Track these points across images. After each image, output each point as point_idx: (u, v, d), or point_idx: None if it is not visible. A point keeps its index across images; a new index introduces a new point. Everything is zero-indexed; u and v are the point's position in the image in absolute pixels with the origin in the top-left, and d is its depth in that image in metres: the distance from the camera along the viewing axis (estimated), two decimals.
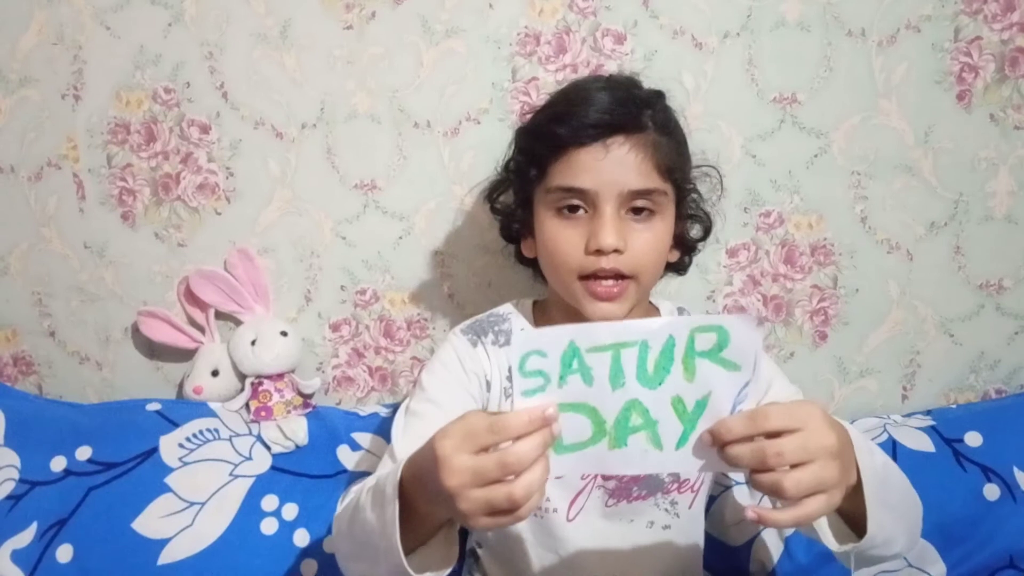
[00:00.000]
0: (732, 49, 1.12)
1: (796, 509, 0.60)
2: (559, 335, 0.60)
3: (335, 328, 1.21)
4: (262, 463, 1.09)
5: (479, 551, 0.98)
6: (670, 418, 0.61)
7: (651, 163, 0.83)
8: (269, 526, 1.05)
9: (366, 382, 1.23)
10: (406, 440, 0.81)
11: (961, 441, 1.08)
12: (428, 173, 1.16)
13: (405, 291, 1.20)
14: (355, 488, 0.78)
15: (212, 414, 1.12)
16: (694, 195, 0.96)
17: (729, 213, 1.14)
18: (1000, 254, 1.18)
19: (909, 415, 1.16)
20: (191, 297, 1.19)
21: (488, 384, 0.90)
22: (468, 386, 0.89)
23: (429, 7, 1.12)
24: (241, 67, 1.15)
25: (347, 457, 1.10)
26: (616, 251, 0.82)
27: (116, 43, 1.15)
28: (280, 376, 1.15)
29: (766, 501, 0.91)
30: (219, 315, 1.20)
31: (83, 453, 1.07)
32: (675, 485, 0.90)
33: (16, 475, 1.06)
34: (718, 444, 0.60)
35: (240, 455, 1.09)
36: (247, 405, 1.14)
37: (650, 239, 0.84)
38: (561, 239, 0.85)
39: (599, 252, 0.82)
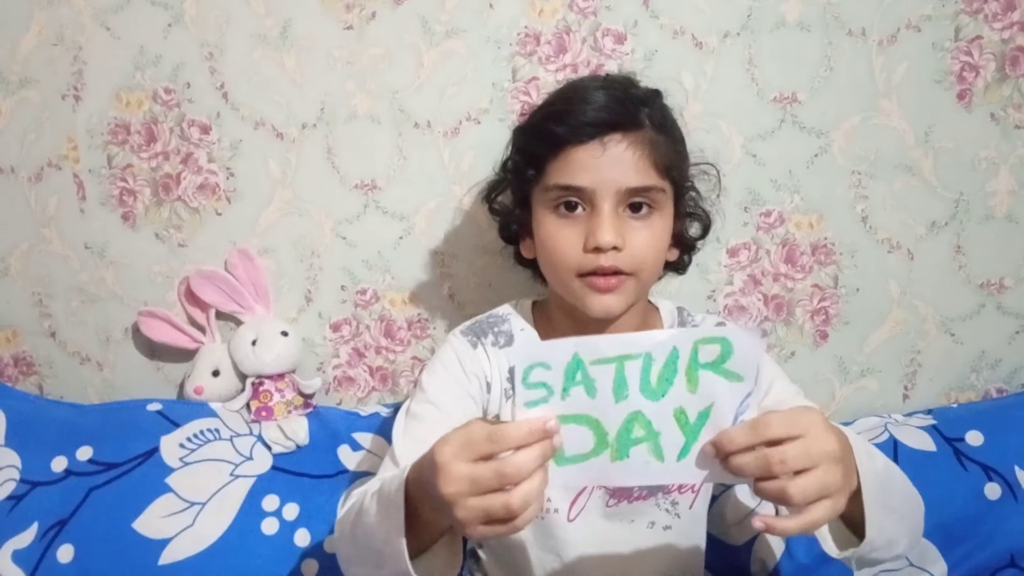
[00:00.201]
0: (732, 49, 1.12)
1: (803, 516, 0.60)
2: (563, 347, 0.60)
3: (336, 328, 1.21)
4: (263, 463, 1.09)
5: (480, 552, 0.97)
6: (672, 430, 0.61)
7: (649, 160, 0.83)
8: (270, 526, 1.05)
9: (367, 382, 1.23)
10: (406, 442, 0.82)
11: (962, 440, 1.08)
12: (428, 173, 1.16)
13: (405, 291, 1.20)
14: (357, 491, 0.77)
15: (213, 414, 1.13)
16: (692, 193, 0.96)
17: (729, 213, 1.14)
18: (1001, 253, 1.17)
19: (910, 414, 1.16)
20: (192, 297, 1.19)
21: (488, 385, 0.90)
22: (468, 387, 0.89)
23: (429, 7, 1.12)
24: (241, 68, 1.15)
25: (348, 457, 1.10)
26: (615, 248, 0.82)
27: (116, 44, 1.15)
28: (281, 376, 1.15)
29: (767, 506, 0.92)
30: (220, 315, 1.20)
31: (84, 453, 1.07)
32: (675, 485, 0.90)
33: (17, 475, 1.06)
34: (721, 455, 0.61)
35: (241, 455, 1.09)
36: (248, 405, 1.14)
37: (648, 236, 0.84)
38: (560, 238, 0.85)
39: (598, 250, 0.82)
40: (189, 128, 1.17)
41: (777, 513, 0.63)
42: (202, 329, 1.20)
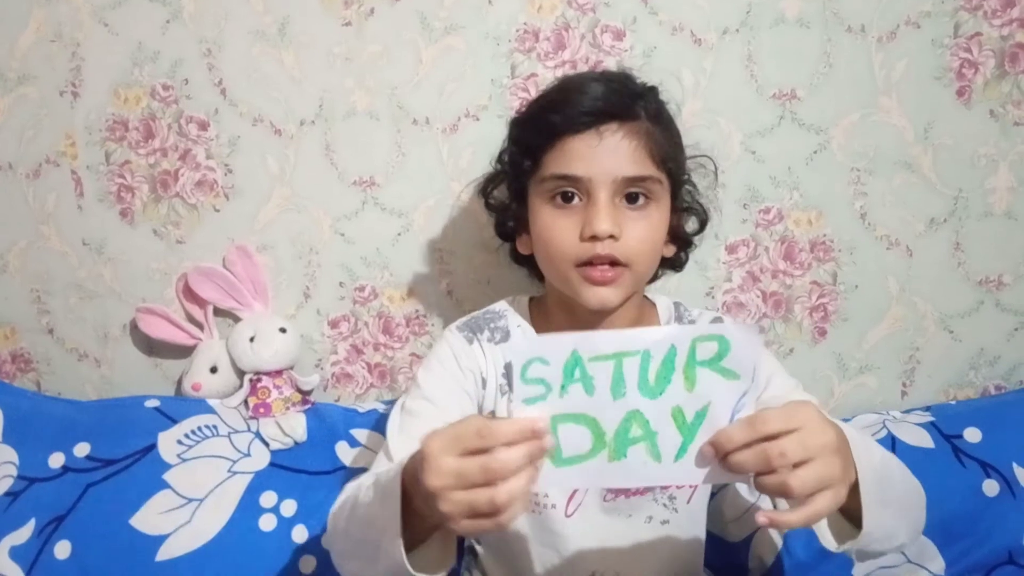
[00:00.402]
0: (731, 45, 1.12)
1: (805, 508, 0.60)
2: (562, 343, 0.60)
3: (334, 325, 1.21)
4: (261, 459, 1.09)
5: (478, 549, 0.97)
6: (670, 429, 0.61)
7: (645, 151, 0.83)
8: (268, 522, 1.05)
9: (365, 379, 1.23)
10: (401, 437, 0.82)
11: (960, 437, 1.08)
12: (427, 170, 1.16)
13: (404, 288, 1.19)
14: (351, 485, 0.78)
15: (211, 411, 1.12)
16: (689, 187, 0.95)
17: (728, 209, 1.14)
18: (1000, 250, 1.17)
19: (908, 411, 1.16)
20: (190, 294, 1.19)
21: (484, 381, 0.90)
22: (464, 383, 0.89)
23: (428, 4, 1.12)
24: (240, 64, 1.14)
25: (346, 453, 1.10)
26: (611, 237, 0.82)
27: (114, 40, 1.15)
28: (279, 373, 1.15)
29: (766, 502, 0.91)
30: (218, 312, 1.20)
31: (81, 450, 1.07)
32: None
33: (14, 472, 1.06)
34: (721, 454, 0.61)
35: (239, 451, 1.08)
36: (246, 402, 1.14)
37: (645, 227, 0.84)
38: (556, 228, 0.85)
39: (594, 238, 0.82)
40: (187, 124, 1.17)
41: (775, 508, 0.63)
42: (200, 326, 1.20)
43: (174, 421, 1.10)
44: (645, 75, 0.92)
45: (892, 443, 1.08)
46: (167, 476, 1.05)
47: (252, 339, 1.14)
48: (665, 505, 0.90)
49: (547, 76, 1.12)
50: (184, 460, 1.07)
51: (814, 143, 1.14)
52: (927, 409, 1.15)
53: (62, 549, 1.02)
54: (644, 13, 1.11)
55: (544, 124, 0.85)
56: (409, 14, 1.12)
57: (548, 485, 0.60)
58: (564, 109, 0.84)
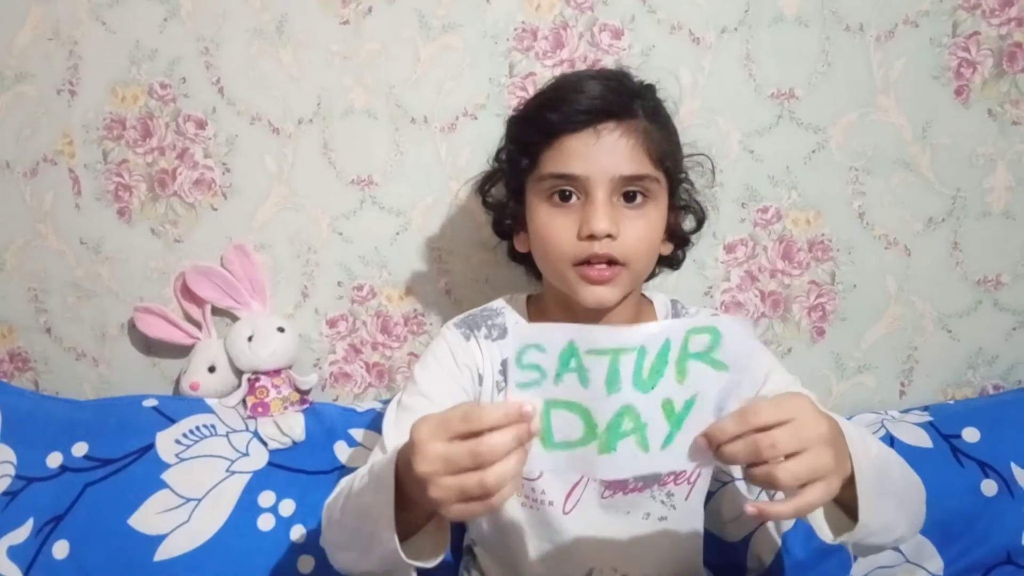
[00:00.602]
0: (730, 44, 1.12)
1: (796, 499, 0.61)
2: (560, 333, 0.60)
3: (332, 324, 1.21)
4: (259, 459, 1.08)
5: (476, 548, 0.97)
6: (659, 420, 0.61)
7: (642, 149, 0.83)
8: (266, 522, 1.05)
9: (363, 378, 1.23)
10: (397, 432, 0.82)
11: (959, 437, 1.08)
12: (425, 169, 1.15)
13: (402, 287, 1.19)
14: (346, 478, 0.78)
15: (209, 410, 1.12)
16: (686, 185, 0.95)
17: (727, 209, 1.14)
18: (998, 250, 1.17)
19: (907, 411, 1.16)
20: (187, 293, 1.19)
21: (480, 377, 0.90)
22: (460, 379, 0.89)
23: (426, 2, 1.11)
24: (237, 62, 1.14)
25: (344, 453, 1.10)
26: (609, 236, 0.82)
27: (112, 38, 1.15)
28: (277, 372, 1.15)
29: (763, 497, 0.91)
30: (216, 311, 1.20)
31: (79, 449, 1.07)
32: (671, 477, 0.90)
33: (12, 471, 1.06)
34: (714, 446, 0.61)
35: (237, 451, 1.08)
36: (244, 401, 1.14)
37: (643, 225, 0.84)
38: (553, 227, 0.85)
39: (592, 237, 0.82)
40: (185, 123, 1.16)
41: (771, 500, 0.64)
42: (198, 325, 1.20)
43: (172, 421, 1.10)
44: (643, 74, 0.92)
45: (890, 443, 1.08)
46: (165, 476, 1.05)
47: (250, 338, 1.14)
48: (663, 502, 0.90)
49: (545, 75, 1.12)
50: (182, 460, 1.06)
51: (812, 142, 1.14)
52: (925, 409, 1.15)
53: (60, 549, 1.01)
54: (642, 12, 1.11)
55: (542, 123, 0.85)
56: (407, 12, 1.12)
57: (536, 467, 0.61)
58: (561, 108, 0.84)
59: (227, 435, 1.10)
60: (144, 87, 1.16)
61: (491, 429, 0.58)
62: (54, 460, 1.07)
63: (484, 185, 1.00)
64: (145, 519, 1.03)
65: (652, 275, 0.95)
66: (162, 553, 1.01)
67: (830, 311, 1.19)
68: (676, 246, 0.96)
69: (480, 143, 1.11)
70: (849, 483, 0.66)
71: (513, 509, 0.90)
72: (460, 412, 0.59)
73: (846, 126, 1.14)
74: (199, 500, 1.04)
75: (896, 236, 1.17)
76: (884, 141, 1.14)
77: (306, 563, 1.04)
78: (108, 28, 1.14)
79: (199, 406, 1.13)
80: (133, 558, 1.01)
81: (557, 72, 1.12)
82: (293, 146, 1.16)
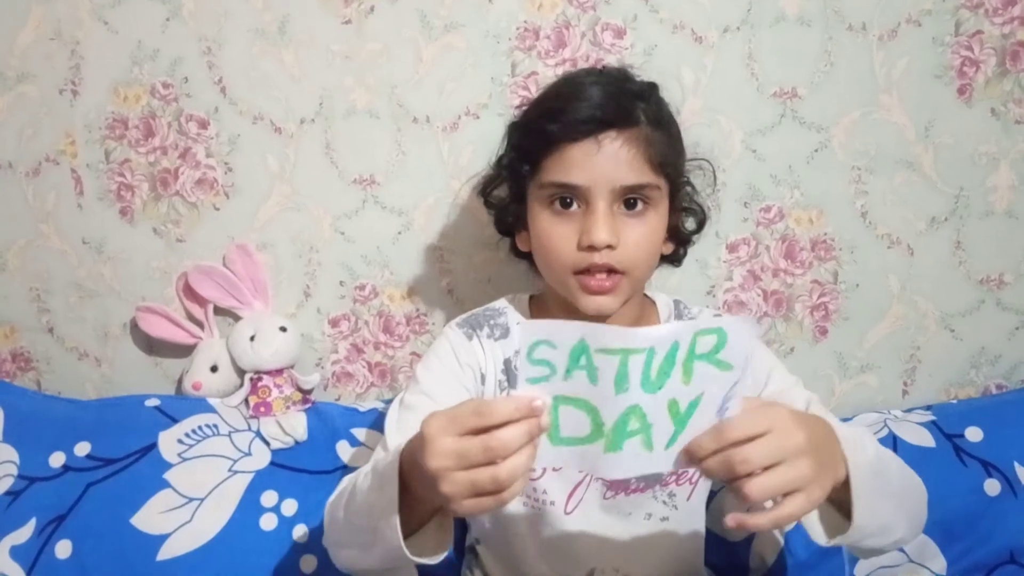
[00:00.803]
0: (732, 43, 1.12)
1: (775, 511, 0.61)
2: (571, 330, 0.60)
3: (334, 324, 1.21)
4: (261, 459, 1.08)
5: (478, 548, 0.97)
6: (664, 420, 0.61)
7: (644, 158, 0.82)
8: (268, 522, 1.05)
9: (365, 378, 1.23)
10: (399, 432, 0.82)
11: (962, 436, 1.08)
12: (427, 168, 1.15)
13: (404, 287, 1.19)
14: (348, 476, 0.78)
15: (211, 410, 1.12)
16: (688, 188, 0.95)
17: (729, 208, 1.14)
18: (1001, 249, 1.17)
19: (909, 410, 1.16)
20: (190, 293, 1.19)
21: (483, 377, 0.90)
22: (462, 379, 0.89)
23: (428, 2, 1.11)
24: (239, 62, 1.14)
25: (346, 453, 1.10)
26: (609, 247, 0.82)
27: (114, 38, 1.15)
28: (279, 372, 1.15)
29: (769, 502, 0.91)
30: (218, 311, 1.20)
31: (82, 449, 1.07)
32: (673, 477, 0.90)
33: (15, 471, 1.06)
34: (694, 462, 0.61)
35: (239, 451, 1.08)
36: (246, 401, 1.14)
37: (644, 233, 0.84)
38: (554, 235, 0.85)
39: (592, 248, 0.82)
40: (187, 123, 1.16)
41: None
42: (200, 325, 1.20)
43: (174, 420, 1.10)
44: (645, 73, 0.91)
45: (893, 442, 1.08)
46: (168, 475, 1.05)
47: (252, 338, 1.14)
48: (665, 502, 0.90)
49: (547, 74, 1.12)
50: (185, 459, 1.06)
51: (815, 141, 1.14)
52: (928, 408, 1.15)
53: (63, 549, 1.02)
54: (645, 11, 1.11)
55: (542, 131, 0.85)
56: (409, 12, 1.12)
57: (542, 462, 0.61)
58: (561, 117, 0.83)
59: (229, 435, 1.10)
60: (146, 87, 1.16)
61: (502, 424, 0.58)
62: (56, 460, 1.07)
63: (486, 187, 1.00)
64: (148, 519, 1.03)
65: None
66: (165, 553, 1.01)
67: (833, 310, 1.19)
68: (677, 245, 0.96)
69: (482, 143, 1.11)
70: (844, 485, 0.65)
71: (515, 509, 0.90)
72: (471, 407, 0.59)
73: (848, 125, 1.13)
74: (202, 500, 1.04)
75: (899, 235, 1.17)
76: (887, 140, 1.14)
77: (308, 563, 1.04)
78: (110, 28, 1.14)
79: (201, 406, 1.13)
80: (135, 558, 1.01)
81: (559, 71, 1.12)
82: (295, 146, 1.16)
